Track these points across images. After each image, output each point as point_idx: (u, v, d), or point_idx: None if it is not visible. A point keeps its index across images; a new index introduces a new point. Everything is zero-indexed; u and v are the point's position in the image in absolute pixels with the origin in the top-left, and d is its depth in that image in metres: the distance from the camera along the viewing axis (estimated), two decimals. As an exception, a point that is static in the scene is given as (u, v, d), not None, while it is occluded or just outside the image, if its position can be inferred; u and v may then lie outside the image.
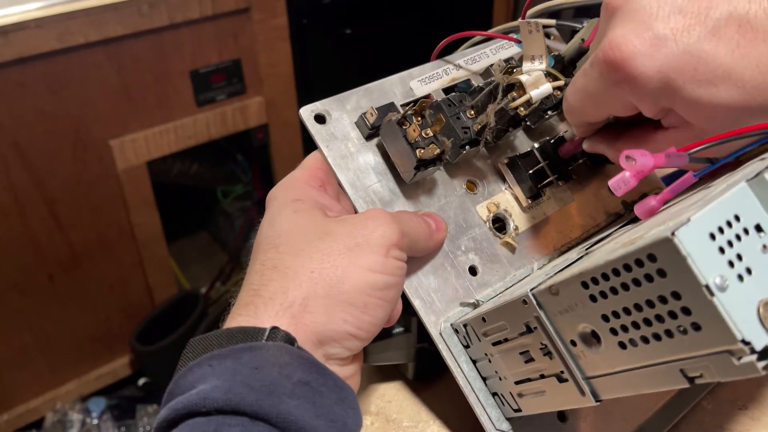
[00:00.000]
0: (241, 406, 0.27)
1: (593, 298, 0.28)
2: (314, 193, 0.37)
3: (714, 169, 0.34)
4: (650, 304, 0.25)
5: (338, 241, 0.33)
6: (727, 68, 0.29)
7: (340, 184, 0.39)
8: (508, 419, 0.37)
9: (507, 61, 0.46)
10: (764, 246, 0.25)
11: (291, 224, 0.34)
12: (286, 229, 0.34)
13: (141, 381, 1.44)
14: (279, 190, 0.37)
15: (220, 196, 1.60)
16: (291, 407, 0.27)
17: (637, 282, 0.25)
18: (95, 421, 1.34)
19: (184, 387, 0.28)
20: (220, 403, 0.27)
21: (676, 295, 0.24)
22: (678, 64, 0.30)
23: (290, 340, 0.30)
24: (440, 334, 0.38)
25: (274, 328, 0.30)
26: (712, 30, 0.29)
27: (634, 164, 0.30)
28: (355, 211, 0.39)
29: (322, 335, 0.31)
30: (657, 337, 0.25)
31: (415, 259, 0.39)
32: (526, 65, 0.42)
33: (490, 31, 0.47)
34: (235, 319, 0.32)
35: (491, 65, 0.45)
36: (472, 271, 0.40)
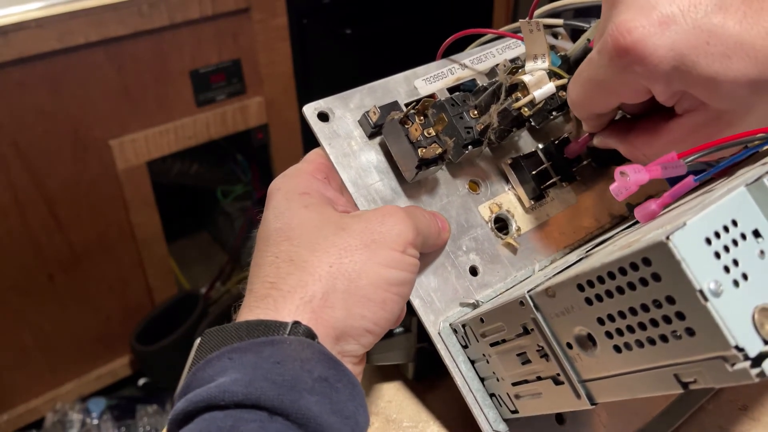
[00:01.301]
0: (261, 400, 0.26)
1: (589, 301, 0.28)
2: (320, 186, 0.37)
3: (719, 172, 0.34)
4: (645, 308, 0.25)
5: (354, 236, 0.33)
6: (738, 39, 0.29)
7: (341, 182, 0.40)
8: (506, 420, 0.37)
9: (513, 61, 0.46)
10: (761, 251, 0.25)
11: (302, 218, 0.34)
12: (298, 222, 0.34)
13: (141, 381, 1.44)
14: (283, 181, 0.37)
15: (220, 196, 1.60)
16: (310, 403, 0.27)
17: (632, 285, 0.25)
18: (95, 421, 1.34)
19: (203, 379, 0.28)
20: (239, 397, 0.26)
21: (671, 300, 0.24)
22: (689, 40, 0.29)
23: (312, 335, 0.30)
24: (439, 333, 0.38)
25: (296, 323, 0.30)
26: (718, 3, 0.29)
27: (628, 179, 0.30)
28: (357, 209, 0.39)
29: (341, 331, 0.31)
30: (651, 341, 0.26)
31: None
32: (529, 65, 0.42)
33: (499, 30, 0.47)
34: (253, 312, 0.31)
35: (496, 65, 0.45)
36: (473, 271, 0.40)
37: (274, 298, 0.31)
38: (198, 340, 0.31)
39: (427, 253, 0.39)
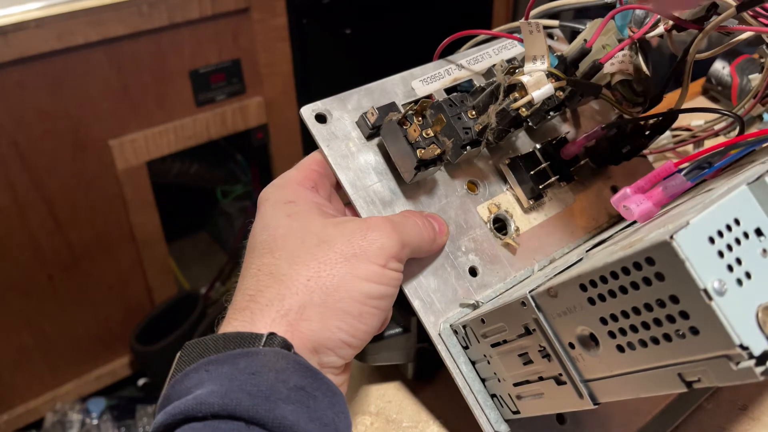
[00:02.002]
0: (237, 411, 0.27)
1: (591, 301, 0.28)
2: (308, 194, 0.37)
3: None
4: (648, 307, 0.25)
5: (335, 249, 0.33)
6: None
7: (339, 183, 0.39)
8: (507, 421, 0.37)
9: (509, 61, 0.46)
10: (764, 250, 0.25)
11: (286, 229, 0.34)
12: (282, 233, 0.34)
13: (141, 381, 1.44)
14: (271, 191, 0.37)
15: (219, 196, 1.60)
16: (286, 412, 0.27)
17: (635, 285, 0.25)
18: (95, 422, 1.34)
19: (181, 392, 0.29)
20: (216, 408, 0.27)
21: (675, 299, 0.24)
22: None
23: (287, 345, 0.30)
24: (439, 334, 0.38)
25: (272, 334, 0.30)
26: None
27: (633, 214, 0.30)
28: (353, 212, 0.39)
29: (318, 343, 0.32)
30: (655, 340, 0.25)
31: (416, 260, 0.39)
32: (528, 66, 0.41)
33: (494, 30, 0.47)
34: (231, 324, 0.32)
35: (493, 65, 0.45)
36: (473, 272, 0.40)
37: (252, 311, 0.32)
38: (179, 354, 0.32)
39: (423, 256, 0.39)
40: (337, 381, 0.33)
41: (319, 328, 0.31)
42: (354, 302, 0.32)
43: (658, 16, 0.42)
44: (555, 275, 0.31)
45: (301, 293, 0.32)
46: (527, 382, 0.34)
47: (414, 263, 0.38)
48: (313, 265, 0.32)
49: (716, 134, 0.62)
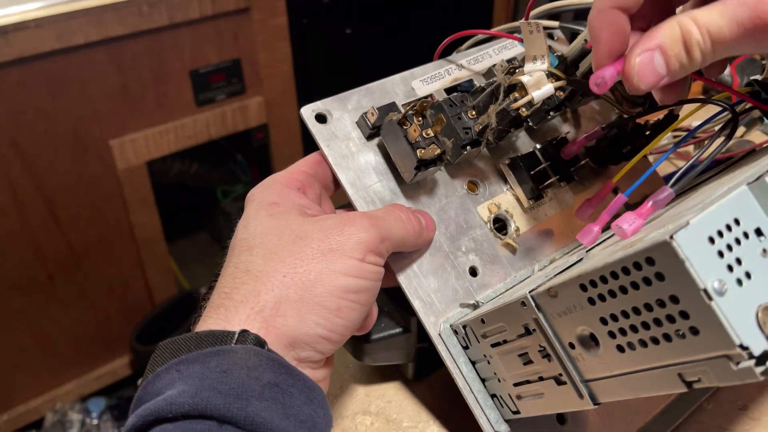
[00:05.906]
0: (208, 410, 0.26)
1: (591, 301, 0.28)
2: (293, 194, 0.36)
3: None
4: (648, 307, 0.25)
5: (312, 244, 0.33)
6: None
7: (339, 183, 0.39)
8: (507, 421, 0.37)
9: (510, 61, 0.46)
10: (764, 250, 0.25)
11: (265, 227, 0.34)
12: (260, 231, 0.34)
13: (141, 381, 1.44)
14: (257, 191, 0.37)
15: (220, 196, 1.60)
16: (260, 409, 0.27)
17: (635, 285, 0.25)
18: (95, 421, 1.34)
19: (152, 393, 0.28)
20: (186, 408, 0.26)
21: (675, 299, 0.24)
22: None
23: (260, 342, 0.30)
24: (439, 335, 0.38)
25: (244, 331, 0.30)
26: None
27: (627, 233, 0.30)
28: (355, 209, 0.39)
29: (294, 338, 0.31)
30: (655, 340, 0.25)
31: (415, 260, 0.39)
32: (528, 66, 0.41)
33: (494, 30, 0.47)
34: (206, 323, 0.31)
35: (494, 65, 0.45)
36: (473, 272, 0.40)
37: (226, 308, 0.31)
38: (152, 355, 0.31)
39: (415, 252, 0.39)
40: (317, 376, 0.33)
41: (295, 324, 0.31)
42: (331, 296, 0.32)
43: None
44: (555, 275, 0.31)
45: (277, 289, 0.31)
46: (527, 382, 0.34)
47: (414, 263, 0.38)
48: (289, 261, 0.32)
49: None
